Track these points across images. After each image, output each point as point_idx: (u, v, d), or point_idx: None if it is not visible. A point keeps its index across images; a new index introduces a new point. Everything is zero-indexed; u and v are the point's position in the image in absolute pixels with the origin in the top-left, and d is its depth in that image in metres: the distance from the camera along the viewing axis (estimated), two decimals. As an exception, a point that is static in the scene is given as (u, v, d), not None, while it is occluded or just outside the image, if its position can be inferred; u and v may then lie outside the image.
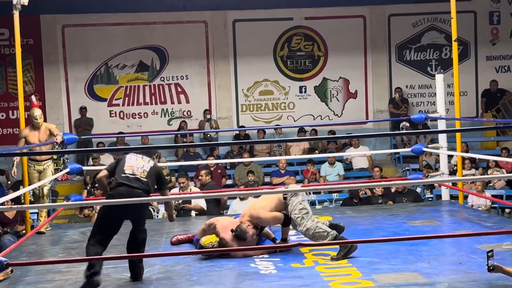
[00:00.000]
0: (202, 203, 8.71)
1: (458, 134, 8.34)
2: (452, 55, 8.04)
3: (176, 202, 8.57)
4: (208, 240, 5.83)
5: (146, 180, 5.21)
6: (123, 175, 5.22)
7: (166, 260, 5.64)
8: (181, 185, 9.03)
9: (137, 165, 5.27)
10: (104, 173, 5.42)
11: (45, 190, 7.35)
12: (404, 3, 13.74)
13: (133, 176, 5.20)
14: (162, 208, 9.20)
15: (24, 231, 7.82)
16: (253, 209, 5.92)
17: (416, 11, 13.89)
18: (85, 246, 5.13)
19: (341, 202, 10.34)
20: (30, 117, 7.43)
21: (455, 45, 7.91)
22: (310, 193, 10.71)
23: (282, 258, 5.62)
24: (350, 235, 6.19)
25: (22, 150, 7.08)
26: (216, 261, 5.58)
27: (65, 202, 8.21)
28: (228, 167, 12.40)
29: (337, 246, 5.61)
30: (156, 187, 5.40)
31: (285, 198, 5.88)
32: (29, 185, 7.14)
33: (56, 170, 7.89)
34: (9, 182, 11.58)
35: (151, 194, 5.35)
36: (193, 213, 8.84)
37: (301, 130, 13.11)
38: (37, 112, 7.40)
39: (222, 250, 5.64)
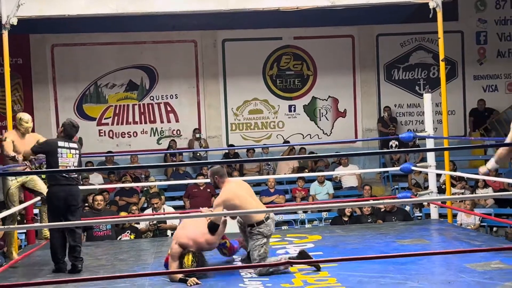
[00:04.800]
0: (177, 222, 8.86)
1: (446, 153, 8.38)
2: (440, 75, 8.11)
3: (152, 223, 8.69)
4: (188, 260, 5.58)
5: (76, 175, 6.20)
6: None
7: (156, 281, 5.59)
8: (155, 205, 9.05)
9: (68, 162, 6.08)
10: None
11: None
12: (392, 23, 13.86)
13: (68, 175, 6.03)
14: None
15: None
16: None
17: (404, 31, 14.00)
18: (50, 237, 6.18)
19: (330, 220, 10.34)
20: (17, 122, 6.73)
21: (442, 64, 7.98)
22: (300, 212, 10.72)
23: (271, 278, 5.59)
24: (339, 254, 6.21)
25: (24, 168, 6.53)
26: (206, 281, 5.53)
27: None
28: (217, 186, 12.34)
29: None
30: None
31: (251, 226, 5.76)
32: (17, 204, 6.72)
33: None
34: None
35: None
36: (169, 232, 8.88)
37: (290, 148, 13.14)
38: (27, 116, 6.72)
39: (223, 268, 5.54)
